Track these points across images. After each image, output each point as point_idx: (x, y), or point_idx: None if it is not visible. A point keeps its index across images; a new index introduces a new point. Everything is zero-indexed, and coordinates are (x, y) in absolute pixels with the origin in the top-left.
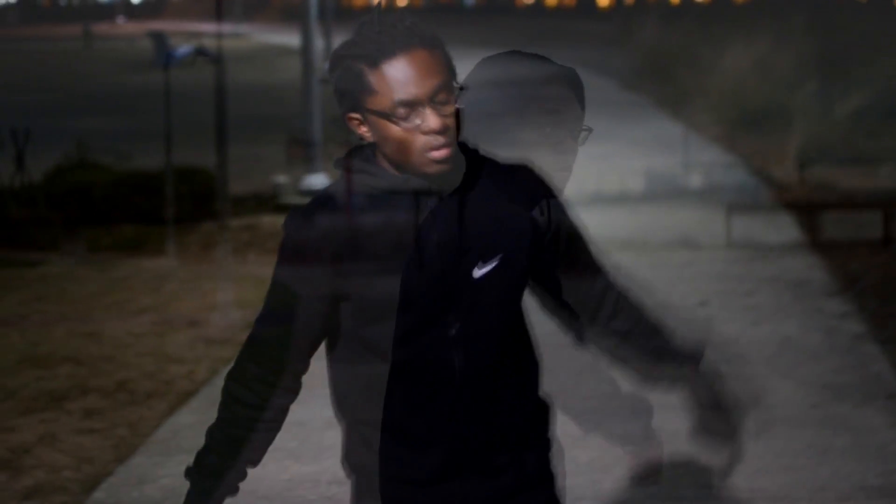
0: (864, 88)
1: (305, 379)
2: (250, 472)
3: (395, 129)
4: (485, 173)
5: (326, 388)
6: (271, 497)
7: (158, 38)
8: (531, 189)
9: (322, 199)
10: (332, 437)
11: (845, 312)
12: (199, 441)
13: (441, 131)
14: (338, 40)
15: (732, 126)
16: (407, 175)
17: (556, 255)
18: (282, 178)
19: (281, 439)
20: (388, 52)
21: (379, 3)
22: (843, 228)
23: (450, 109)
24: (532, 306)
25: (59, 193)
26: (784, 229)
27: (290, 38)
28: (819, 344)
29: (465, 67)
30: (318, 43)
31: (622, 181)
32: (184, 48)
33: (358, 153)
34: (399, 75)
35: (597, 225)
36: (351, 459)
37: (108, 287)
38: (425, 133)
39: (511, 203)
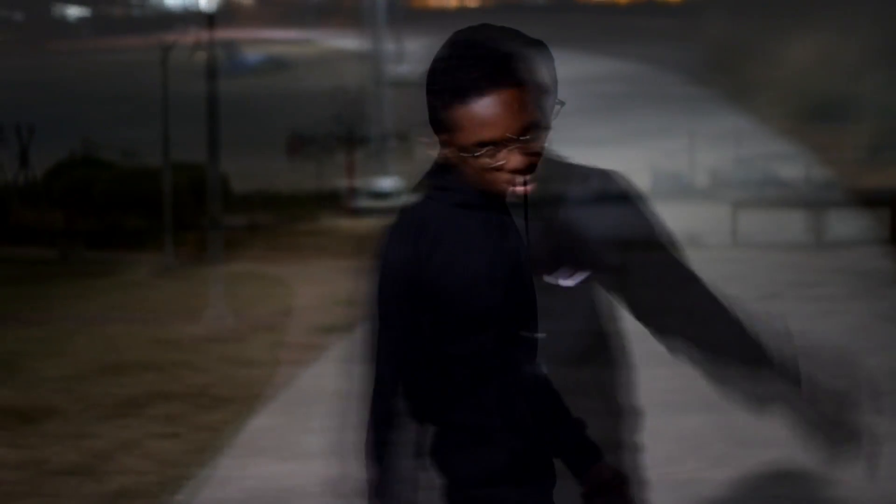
0: None
1: None
2: (329, 469)
3: (479, 165)
4: (569, 181)
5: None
6: (350, 494)
7: (230, 47)
8: (616, 196)
9: (409, 216)
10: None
11: None
12: (279, 442)
13: (524, 170)
14: (408, 44)
15: (798, 118)
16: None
17: (634, 265)
18: (354, 182)
19: (359, 437)
20: (477, 90)
21: (477, 27)
22: None
23: (536, 146)
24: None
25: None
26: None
27: (359, 43)
28: (888, 332)
29: None
30: (388, 47)
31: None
32: (254, 56)
33: (441, 171)
34: (485, 115)
35: None
36: (437, 459)
37: (185, 293)
38: (509, 172)
39: (596, 211)
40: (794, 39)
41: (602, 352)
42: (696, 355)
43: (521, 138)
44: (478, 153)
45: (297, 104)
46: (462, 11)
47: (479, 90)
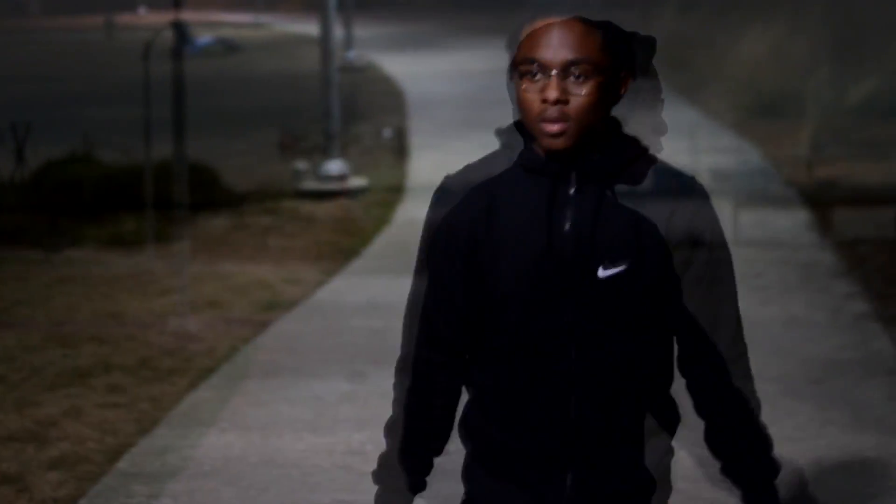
0: (879, 75)
1: (325, 355)
2: (267, 441)
3: (520, 87)
4: (639, 173)
5: (343, 364)
6: (287, 466)
7: (179, 28)
8: (686, 206)
9: (473, 167)
10: (347, 410)
11: (851, 293)
12: (220, 414)
13: (555, 103)
14: (358, 30)
15: (747, 112)
16: (547, 158)
17: (682, 287)
18: (301, 164)
19: (297, 412)
20: (545, 12)
21: None
22: (854, 223)
23: (580, 89)
24: None
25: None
26: (789, 219)
27: (310, 28)
28: (824, 322)
29: (479, 55)
30: (338, 32)
31: None
32: (205, 38)
33: (515, 126)
34: (541, 35)
35: None
36: (468, 426)
37: (129, 271)
38: (542, 101)
39: (656, 210)
40: (743, 35)
41: (644, 353)
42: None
43: (568, 72)
44: (523, 70)
45: (248, 85)
46: (413, 1)
47: (549, 13)
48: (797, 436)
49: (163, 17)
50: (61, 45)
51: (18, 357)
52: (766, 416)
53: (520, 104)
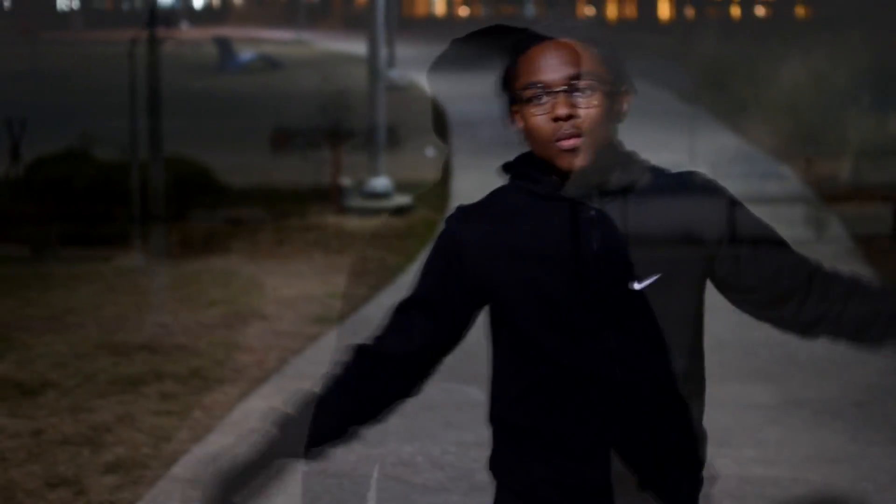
0: None
1: None
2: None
3: (529, 114)
4: (650, 183)
5: None
6: (339, 475)
7: (223, 44)
8: (699, 197)
9: (486, 201)
10: (396, 422)
11: None
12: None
13: (567, 119)
14: (400, 49)
15: (788, 139)
16: (565, 182)
17: (737, 261)
18: (345, 181)
19: None
20: (537, 39)
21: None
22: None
23: (588, 102)
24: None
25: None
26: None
27: (352, 46)
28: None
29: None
30: (382, 51)
31: None
32: (247, 54)
33: (524, 158)
34: (539, 59)
35: None
36: (499, 465)
37: (177, 281)
38: (554, 120)
39: (677, 214)
40: (783, 62)
41: (684, 365)
42: (841, 333)
43: (572, 88)
44: (528, 95)
45: (289, 102)
46: (451, 20)
47: (541, 39)
48: (839, 457)
49: (205, 33)
50: (99, 57)
51: (71, 364)
52: (807, 438)
53: (529, 132)
